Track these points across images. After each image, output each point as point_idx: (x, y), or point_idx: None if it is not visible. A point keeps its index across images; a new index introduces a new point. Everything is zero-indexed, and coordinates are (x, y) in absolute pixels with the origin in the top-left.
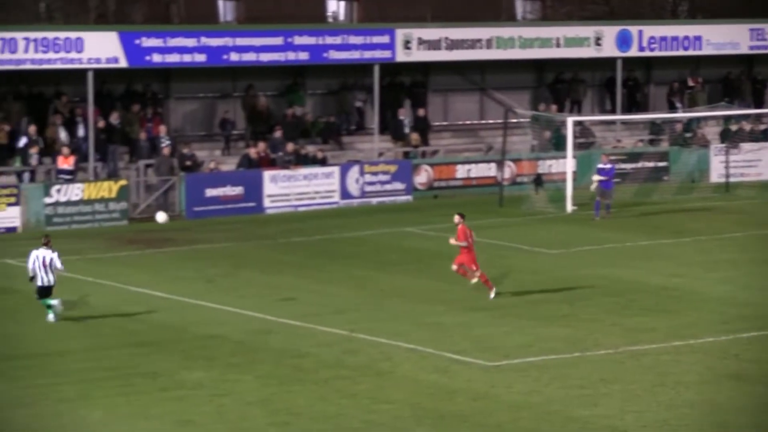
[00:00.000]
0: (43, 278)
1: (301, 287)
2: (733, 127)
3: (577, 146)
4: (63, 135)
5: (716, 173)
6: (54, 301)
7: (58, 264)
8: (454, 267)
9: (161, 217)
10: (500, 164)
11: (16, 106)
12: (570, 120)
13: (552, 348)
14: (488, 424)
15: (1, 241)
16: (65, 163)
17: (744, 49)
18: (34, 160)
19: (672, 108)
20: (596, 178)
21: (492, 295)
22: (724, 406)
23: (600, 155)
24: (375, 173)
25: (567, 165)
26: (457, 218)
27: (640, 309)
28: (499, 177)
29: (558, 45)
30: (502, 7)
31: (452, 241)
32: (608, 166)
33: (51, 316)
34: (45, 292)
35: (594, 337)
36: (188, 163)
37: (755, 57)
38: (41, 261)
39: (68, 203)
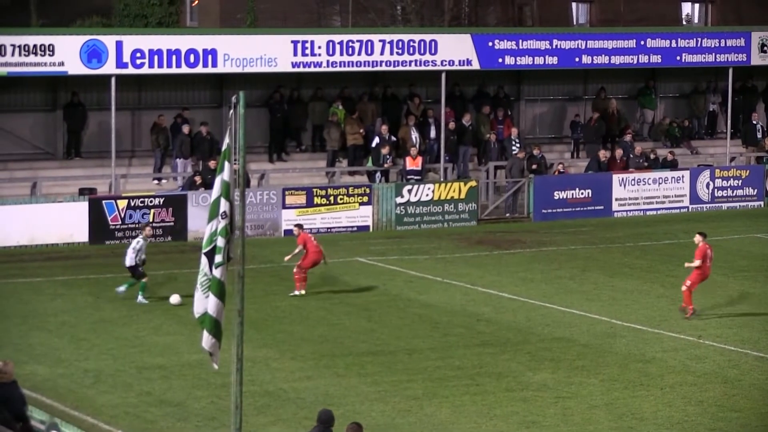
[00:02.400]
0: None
1: (648, 291)
2: None
3: None
4: (414, 136)
5: None
6: (121, 287)
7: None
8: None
9: (174, 299)
10: None
11: (371, 107)
12: None
13: None
14: None
15: (354, 240)
16: (413, 164)
17: None
18: (384, 161)
19: None
20: None
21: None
22: None
23: None
24: (726, 178)
25: None
26: (697, 238)
27: None
28: None
29: None
30: None
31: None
32: None
33: (140, 298)
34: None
35: None
36: (534, 166)
37: None
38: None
39: (418, 203)
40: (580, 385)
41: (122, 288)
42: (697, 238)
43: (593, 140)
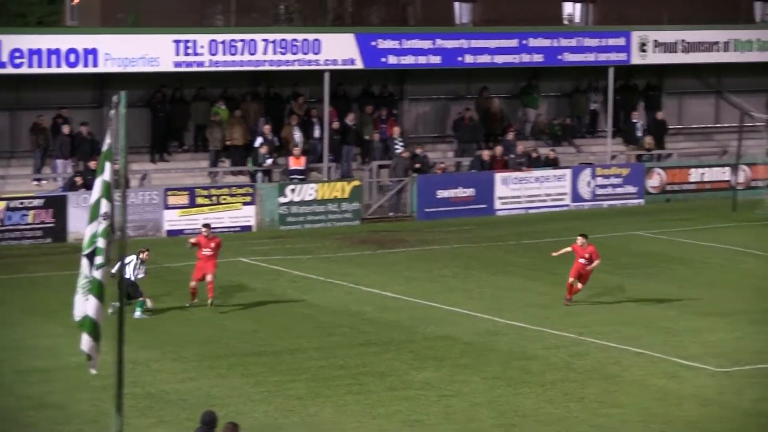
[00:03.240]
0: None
1: (530, 289)
2: None
3: None
4: (297, 135)
5: None
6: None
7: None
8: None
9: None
10: (735, 168)
11: (254, 107)
12: None
13: None
14: (717, 430)
15: (237, 240)
16: (296, 163)
17: None
18: (264, 160)
19: None
20: None
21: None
22: None
23: None
24: (607, 176)
25: None
26: (580, 240)
27: None
28: (733, 181)
29: None
30: (740, 9)
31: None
32: None
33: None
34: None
35: None
36: (417, 165)
37: None
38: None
39: (302, 203)
40: (463, 383)
41: (137, 313)
42: (580, 240)
43: (469, 139)
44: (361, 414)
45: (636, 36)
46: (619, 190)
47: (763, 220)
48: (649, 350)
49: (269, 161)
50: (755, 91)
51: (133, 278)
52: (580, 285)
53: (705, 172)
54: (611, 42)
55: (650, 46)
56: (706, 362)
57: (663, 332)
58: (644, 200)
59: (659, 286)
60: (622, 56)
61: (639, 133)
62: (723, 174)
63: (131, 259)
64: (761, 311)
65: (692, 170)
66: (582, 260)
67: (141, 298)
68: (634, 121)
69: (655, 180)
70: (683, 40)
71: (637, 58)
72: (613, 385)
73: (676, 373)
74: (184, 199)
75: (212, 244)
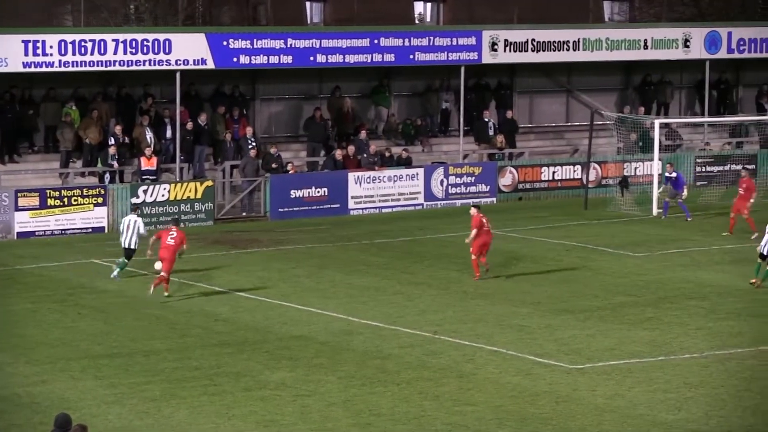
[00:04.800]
0: (127, 241)
1: (385, 289)
2: None
3: (664, 149)
4: (149, 136)
5: None
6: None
7: (141, 229)
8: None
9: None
10: (586, 166)
11: (105, 107)
12: (657, 122)
13: (636, 351)
14: (571, 427)
15: (89, 241)
16: (148, 164)
17: None
18: (113, 161)
19: (761, 110)
20: (661, 189)
21: None
22: None
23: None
24: (459, 175)
25: (653, 167)
26: (473, 210)
27: (726, 313)
28: (584, 179)
29: (646, 47)
30: (589, 9)
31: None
32: (674, 174)
33: (115, 273)
34: (127, 253)
35: (679, 341)
36: (274, 165)
37: None
38: (126, 225)
39: (154, 203)
40: (318, 383)
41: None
42: (472, 210)
43: (320, 139)
44: (216, 415)
45: (487, 35)
46: (472, 189)
47: (614, 218)
48: (503, 348)
49: (115, 162)
50: (605, 90)
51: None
52: (484, 259)
53: (556, 171)
54: (462, 41)
55: (501, 46)
56: (560, 359)
57: (517, 330)
58: (497, 199)
59: (512, 283)
60: (473, 55)
61: (491, 132)
62: (574, 172)
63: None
64: (613, 308)
65: (544, 169)
66: (485, 228)
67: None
68: (486, 120)
69: (507, 178)
70: (534, 40)
71: (488, 58)
72: (467, 383)
73: (530, 370)
74: (35, 201)
75: (172, 238)
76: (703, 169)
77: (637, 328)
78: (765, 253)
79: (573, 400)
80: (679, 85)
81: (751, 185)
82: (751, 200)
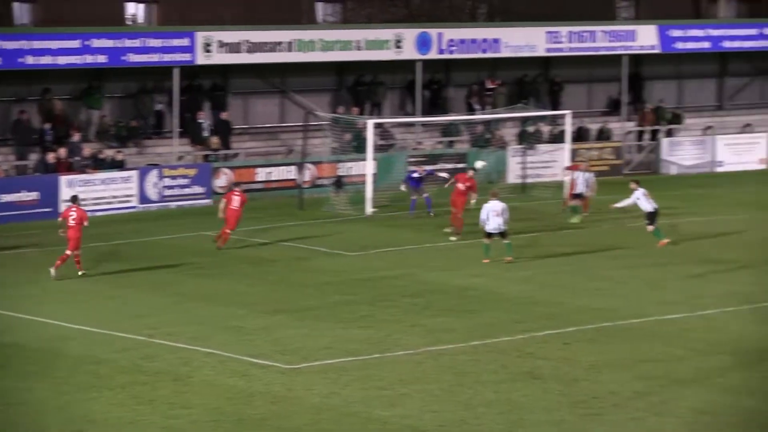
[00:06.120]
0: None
1: (100, 292)
2: (530, 129)
3: (378, 148)
4: None
5: (513, 174)
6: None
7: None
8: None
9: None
10: (300, 167)
11: None
12: (370, 122)
13: (352, 349)
14: (288, 427)
15: None
16: None
17: (541, 52)
18: None
19: (471, 110)
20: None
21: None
22: (519, 404)
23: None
24: (174, 177)
25: (367, 167)
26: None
27: (439, 309)
28: (299, 179)
29: (358, 48)
30: (302, 10)
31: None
32: (417, 175)
33: None
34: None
35: (394, 338)
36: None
37: (551, 59)
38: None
39: None
40: (30, 391)
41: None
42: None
43: (28, 142)
44: None
45: (200, 36)
46: (187, 191)
47: (329, 218)
48: (220, 350)
49: None
50: (319, 91)
51: None
52: None
53: (272, 171)
54: (176, 42)
55: (214, 47)
56: (276, 359)
57: (233, 331)
58: (212, 200)
59: (229, 284)
60: (186, 57)
61: (205, 134)
62: (289, 173)
63: None
64: (328, 307)
65: (259, 169)
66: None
67: None
68: (200, 121)
69: (222, 180)
70: (247, 41)
71: (201, 59)
72: (183, 386)
73: (247, 371)
74: None
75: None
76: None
77: (353, 326)
78: (491, 231)
79: (289, 399)
80: (391, 86)
81: (473, 185)
82: (472, 201)
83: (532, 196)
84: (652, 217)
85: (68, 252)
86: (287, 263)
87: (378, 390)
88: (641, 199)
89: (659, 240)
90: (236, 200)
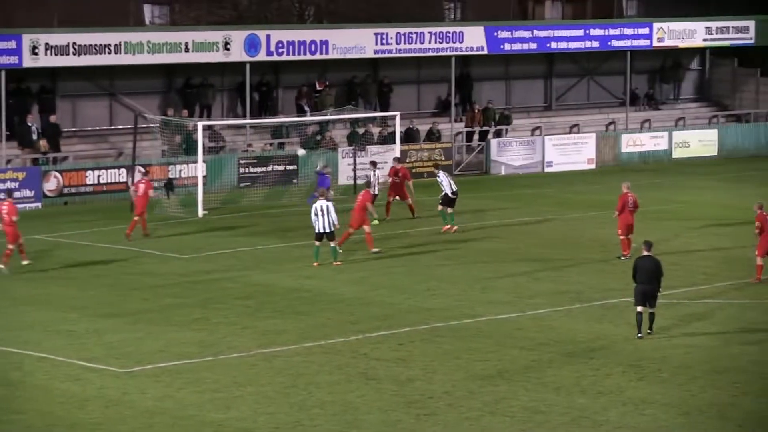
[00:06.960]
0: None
1: None
2: (360, 130)
3: (208, 151)
4: None
5: (345, 175)
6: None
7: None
8: None
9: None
10: (131, 169)
11: None
12: (200, 124)
13: (185, 352)
14: (121, 431)
15: None
16: None
17: (369, 53)
18: None
19: (300, 111)
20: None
21: None
22: (354, 405)
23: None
24: (3, 180)
25: (198, 169)
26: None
27: (272, 311)
28: (129, 182)
29: (187, 50)
30: (130, 12)
31: None
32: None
33: None
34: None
35: (227, 341)
36: None
37: (380, 60)
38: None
39: None
40: None
41: None
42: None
43: None
44: None
45: (27, 39)
46: (17, 195)
47: (161, 220)
48: (52, 354)
49: None
50: (148, 93)
51: None
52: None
53: (102, 174)
54: (2, 45)
55: (42, 50)
56: (109, 363)
57: (65, 335)
58: (42, 204)
59: (60, 288)
60: (13, 59)
61: (34, 137)
62: (119, 175)
63: None
64: (161, 310)
65: (89, 172)
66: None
67: None
68: (29, 124)
69: (51, 183)
70: (75, 43)
71: (29, 61)
72: (15, 391)
73: (80, 375)
74: None
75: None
76: (247, 170)
77: (186, 329)
78: (320, 232)
79: (123, 403)
80: (221, 88)
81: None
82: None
83: None
84: (448, 199)
85: (10, 246)
86: (119, 266)
87: (212, 393)
88: (443, 181)
89: (447, 224)
90: (141, 187)
